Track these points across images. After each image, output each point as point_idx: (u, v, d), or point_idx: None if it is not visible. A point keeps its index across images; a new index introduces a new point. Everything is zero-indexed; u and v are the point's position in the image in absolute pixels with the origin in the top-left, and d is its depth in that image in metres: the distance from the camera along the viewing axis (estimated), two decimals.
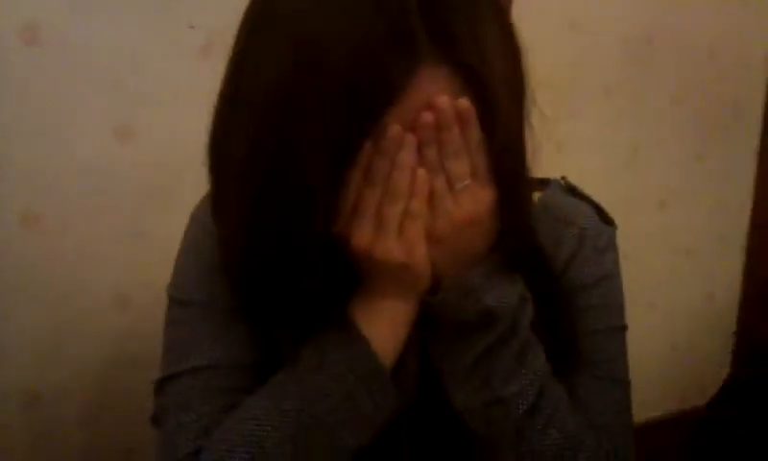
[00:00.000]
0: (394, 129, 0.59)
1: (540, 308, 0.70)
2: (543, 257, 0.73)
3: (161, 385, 0.73)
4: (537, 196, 0.79)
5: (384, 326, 0.66)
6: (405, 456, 0.75)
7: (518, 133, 0.65)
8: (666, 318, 2.24)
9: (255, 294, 0.67)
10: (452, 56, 0.59)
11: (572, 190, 0.81)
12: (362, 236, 0.62)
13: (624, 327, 0.78)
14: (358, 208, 0.62)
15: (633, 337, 0.80)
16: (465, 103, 0.60)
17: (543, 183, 0.81)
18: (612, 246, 0.79)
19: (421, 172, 0.61)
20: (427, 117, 0.59)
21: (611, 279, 0.78)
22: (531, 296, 0.69)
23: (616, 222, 0.81)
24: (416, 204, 0.62)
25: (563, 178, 0.83)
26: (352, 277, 0.67)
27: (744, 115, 2.29)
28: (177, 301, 0.75)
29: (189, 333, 0.73)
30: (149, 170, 1.34)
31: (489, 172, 0.63)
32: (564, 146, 1.80)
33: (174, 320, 0.75)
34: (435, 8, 0.58)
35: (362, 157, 0.60)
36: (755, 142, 2.33)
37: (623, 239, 0.82)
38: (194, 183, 1.28)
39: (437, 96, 0.59)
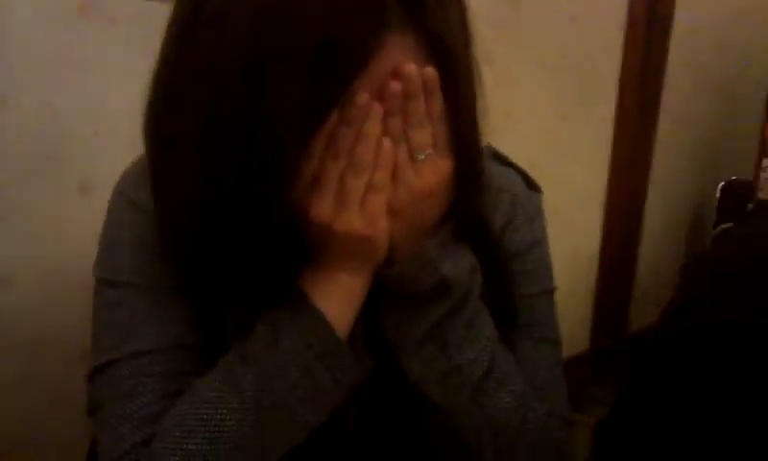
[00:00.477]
0: (362, 98, 0.58)
1: (483, 275, 0.71)
2: (485, 226, 0.74)
3: (97, 373, 0.68)
4: None
5: (338, 299, 0.65)
6: (351, 425, 0.75)
7: (474, 102, 0.65)
8: None
9: (204, 271, 0.63)
10: (420, 23, 0.58)
11: (499, 158, 0.83)
12: (323, 208, 0.60)
13: (554, 290, 0.81)
14: (320, 180, 0.60)
15: None
16: (431, 72, 0.59)
17: None
18: (540, 212, 0.82)
19: (387, 143, 0.60)
20: (395, 86, 0.58)
21: (541, 243, 0.80)
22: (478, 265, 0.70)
23: None
24: (380, 176, 0.61)
25: (488, 145, 0.85)
26: (302, 249, 0.65)
27: (602, 78, 2.43)
28: (107, 282, 0.70)
29: (125, 316, 0.68)
30: (28, 140, 1.24)
31: (448, 142, 0.63)
32: None
33: (106, 302, 0.70)
34: None
35: (327, 127, 0.59)
36: (612, 103, 2.48)
37: None
38: (83, 154, 1.24)
39: (404, 64, 0.58)
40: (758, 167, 2.49)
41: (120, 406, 0.66)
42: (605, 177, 2.53)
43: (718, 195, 2.77)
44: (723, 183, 2.78)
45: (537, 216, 0.81)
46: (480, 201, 0.71)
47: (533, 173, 0.84)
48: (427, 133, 0.61)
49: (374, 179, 0.61)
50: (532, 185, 0.82)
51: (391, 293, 0.67)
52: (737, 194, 2.69)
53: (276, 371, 0.63)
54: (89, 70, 1.26)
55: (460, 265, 0.67)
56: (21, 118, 1.21)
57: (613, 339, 2.68)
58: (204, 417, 0.63)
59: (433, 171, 0.62)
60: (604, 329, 2.67)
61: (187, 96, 0.59)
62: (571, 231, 2.46)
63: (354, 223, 0.61)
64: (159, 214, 0.66)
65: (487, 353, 0.69)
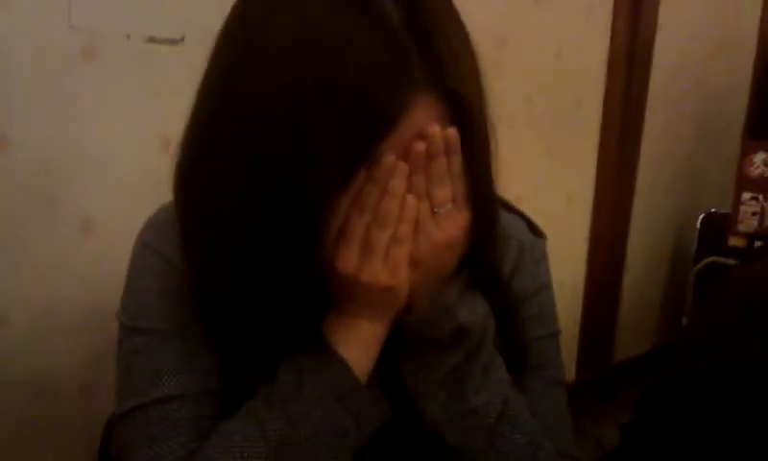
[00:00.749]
0: (389, 158, 0.61)
1: (495, 320, 0.73)
2: (497, 272, 0.76)
3: (124, 418, 0.70)
4: None
5: (359, 345, 0.67)
6: None
7: (489, 155, 0.68)
8: None
9: (234, 322, 0.65)
10: (441, 83, 0.61)
11: (505, 205, 0.86)
12: (348, 260, 0.63)
13: (559, 332, 0.83)
14: (346, 233, 0.63)
15: None
16: (453, 133, 0.62)
17: None
18: (544, 257, 0.84)
19: (411, 199, 0.63)
20: (420, 147, 0.61)
21: (546, 287, 0.83)
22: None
23: None
24: (403, 229, 0.63)
25: None
26: (324, 298, 0.67)
27: (586, 112, 2.49)
28: (134, 328, 0.72)
29: (152, 362, 0.70)
30: (28, 178, 1.25)
31: (466, 195, 0.66)
32: None
33: (132, 348, 0.71)
34: (425, 36, 0.60)
35: (355, 183, 0.61)
36: (595, 137, 2.54)
37: None
38: (83, 195, 1.25)
39: (429, 126, 0.61)
40: (738, 200, 2.56)
41: (148, 451, 0.67)
42: (589, 210, 2.58)
43: (698, 226, 2.83)
44: (703, 215, 2.85)
45: (542, 261, 0.84)
46: (495, 250, 0.73)
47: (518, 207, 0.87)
48: (448, 189, 0.64)
49: (398, 232, 0.63)
50: (536, 231, 0.85)
51: (408, 339, 0.69)
52: (717, 226, 2.76)
53: (300, 416, 0.65)
54: (90, 111, 1.27)
55: (476, 312, 0.70)
56: (22, 158, 1.22)
57: (599, 370, 2.72)
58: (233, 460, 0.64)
59: (452, 224, 0.65)
60: (589, 360, 2.70)
61: (226, 148, 0.62)
62: (556, 265, 2.46)
63: (379, 274, 0.63)
64: (192, 266, 0.68)
65: (501, 396, 0.71)
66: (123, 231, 1.32)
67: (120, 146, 1.32)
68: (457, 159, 0.64)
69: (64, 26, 1.23)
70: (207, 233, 0.65)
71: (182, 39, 1.38)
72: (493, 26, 2.04)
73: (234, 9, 0.66)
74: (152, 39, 1.34)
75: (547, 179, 2.36)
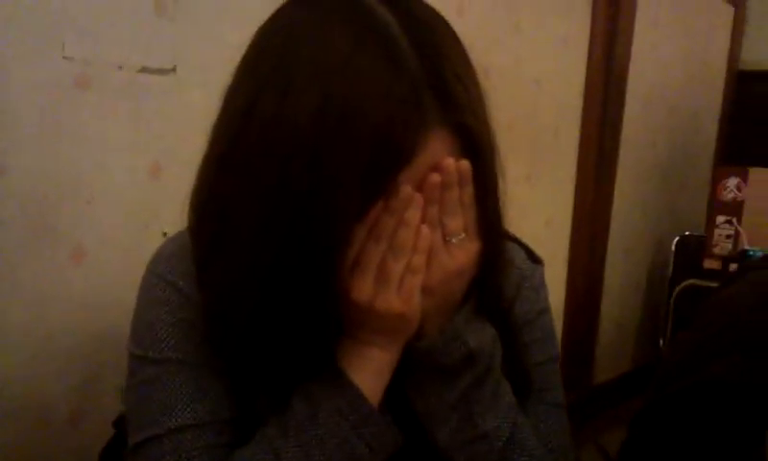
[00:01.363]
0: (406, 190, 0.63)
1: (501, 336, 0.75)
2: (502, 299, 0.79)
3: (138, 448, 0.70)
4: None
5: (371, 372, 0.69)
6: None
7: (497, 186, 0.71)
8: None
9: (249, 352, 0.67)
10: (454, 118, 0.64)
11: (505, 234, 0.88)
12: (363, 289, 0.65)
13: (559, 356, 0.86)
14: (360, 262, 0.65)
15: None
16: (466, 164, 0.65)
17: None
18: (543, 283, 0.87)
19: (425, 229, 0.65)
20: (435, 178, 0.64)
21: (546, 313, 0.86)
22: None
23: None
24: (418, 259, 0.65)
25: None
26: (338, 327, 0.69)
27: (564, 139, 2.54)
28: (146, 358, 0.72)
29: (165, 392, 0.70)
30: (22, 206, 1.25)
31: (477, 226, 0.68)
32: None
33: (145, 379, 0.72)
34: (438, 75, 0.63)
35: (371, 215, 0.63)
36: (573, 163, 2.59)
37: None
38: (75, 223, 1.26)
39: (444, 158, 0.64)
40: (713, 224, 2.62)
41: None
42: (567, 235, 2.62)
43: (674, 249, 2.89)
44: (678, 238, 2.91)
45: (540, 287, 0.86)
46: (502, 277, 0.76)
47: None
48: (460, 219, 0.67)
49: (413, 262, 0.65)
50: (534, 258, 0.87)
51: (418, 366, 0.71)
52: (692, 249, 2.82)
53: (314, 443, 0.66)
54: (83, 140, 1.28)
55: (484, 337, 0.72)
56: (15, 187, 1.22)
57: (580, 391, 2.74)
58: None
59: (464, 252, 0.68)
60: (570, 382, 2.72)
61: (245, 179, 0.63)
62: None
63: (393, 302, 0.65)
64: (208, 294, 0.69)
65: (509, 420, 0.73)
66: (114, 259, 1.34)
67: (111, 174, 1.33)
68: (469, 190, 0.66)
69: (58, 56, 1.23)
70: (225, 262, 0.66)
71: (174, 70, 1.40)
72: (476, 55, 2.08)
73: (254, 42, 0.69)
74: (144, 70, 1.35)
75: (528, 204, 2.40)
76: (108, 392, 1.31)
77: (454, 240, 0.67)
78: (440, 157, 0.64)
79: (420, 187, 0.64)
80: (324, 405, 0.67)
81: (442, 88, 0.63)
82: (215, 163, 0.68)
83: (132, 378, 0.74)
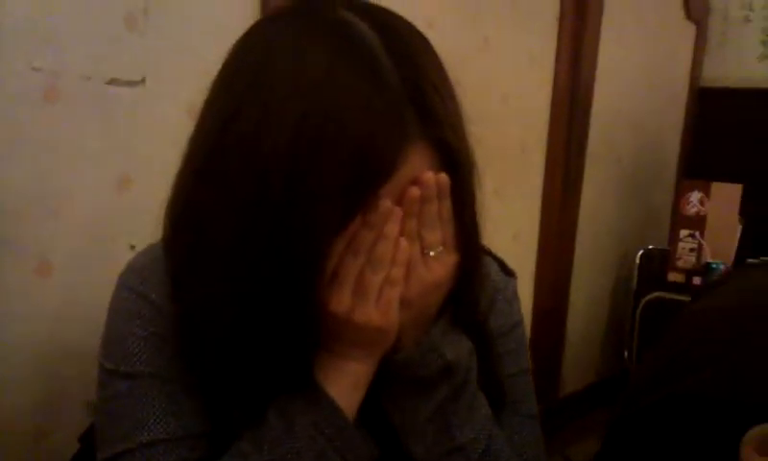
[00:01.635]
0: (386, 204, 0.63)
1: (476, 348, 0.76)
2: (478, 312, 0.79)
3: None
4: None
5: (347, 385, 0.69)
6: None
7: (474, 201, 0.71)
8: None
9: (221, 361, 0.66)
10: (433, 132, 0.64)
11: None
12: (341, 301, 0.65)
13: (530, 368, 0.87)
14: (338, 275, 0.65)
15: None
16: (444, 178, 0.65)
17: None
18: (516, 295, 0.88)
19: (404, 242, 0.66)
20: (414, 192, 0.64)
21: (520, 325, 0.87)
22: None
23: None
24: (396, 272, 0.66)
25: None
26: (313, 340, 0.69)
27: (531, 155, 2.57)
28: (118, 373, 0.71)
29: (137, 406, 0.70)
30: None
31: (454, 239, 0.69)
32: None
33: (117, 393, 0.71)
34: (418, 87, 0.63)
35: (350, 228, 0.64)
36: (540, 178, 2.62)
37: None
38: (40, 236, 1.24)
39: (423, 172, 0.64)
40: (676, 237, 2.67)
41: None
42: (534, 249, 2.65)
43: (638, 262, 2.94)
44: (642, 251, 2.95)
45: (514, 299, 0.87)
46: (478, 290, 0.76)
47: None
48: (439, 233, 0.67)
49: (391, 274, 0.66)
50: (507, 271, 0.88)
51: (395, 378, 0.71)
52: (656, 262, 2.87)
53: (290, 457, 0.66)
54: (51, 152, 1.26)
55: (461, 349, 0.72)
56: None
57: (547, 403, 2.77)
58: None
59: (441, 265, 0.68)
60: (537, 394, 2.74)
61: (222, 192, 0.63)
62: None
63: (372, 315, 0.65)
64: (184, 307, 0.68)
65: (486, 432, 0.74)
66: (81, 273, 1.32)
67: (79, 187, 1.31)
68: (447, 204, 0.67)
69: (27, 68, 1.22)
70: (201, 275, 0.66)
71: (143, 81, 1.39)
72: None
73: (232, 55, 0.68)
74: (113, 81, 1.34)
75: (496, 218, 2.40)
76: (74, 407, 1.29)
77: (432, 253, 0.67)
78: (420, 171, 0.64)
79: (399, 201, 0.65)
80: (299, 419, 0.67)
81: (421, 103, 0.63)
82: (192, 176, 0.68)
83: (102, 392, 0.73)
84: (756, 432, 0.68)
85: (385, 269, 0.65)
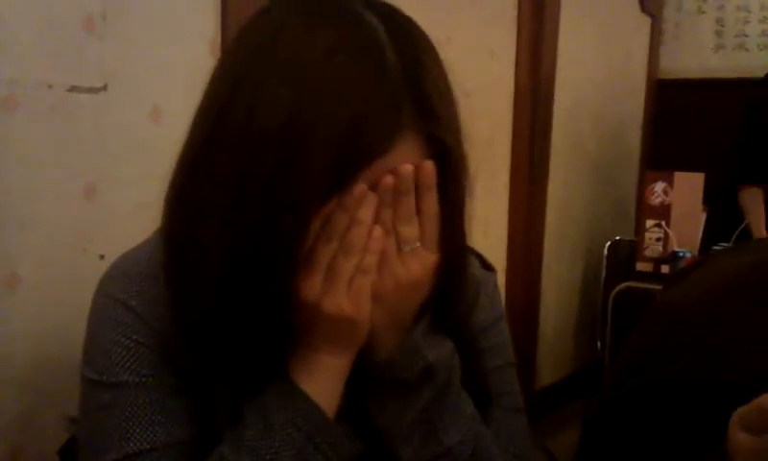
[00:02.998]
0: (360, 188, 0.62)
1: (459, 348, 0.74)
2: (461, 311, 0.77)
3: None
4: None
5: (323, 380, 0.67)
6: None
7: (464, 202, 0.70)
8: None
9: (208, 348, 0.65)
10: (428, 128, 0.63)
11: None
12: (312, 288, 0.64)
13: (515, 362, 0.86)
14: (311, 261, 0.63)
15: None
16: (429, 166, 0.64)
17: None
18: (497, 289, 0.88)
19: (378, 230, 0.64)
20: (388, 180, 0.63)
21: (501, 319, 0.86)
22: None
23: None
24: (369, 259, 0.64)
25: None
26: (289, 332, 0.68)
27: (497, 149, 2.58)
28: (101, 383, 0.70)
29: (122, 416, 0.68)
30: None
31: (438, 239, 0.67)
32: None
33: (100, 404, 0.69)
34: (418, 81, 0.63)
35: (326, 210, 0.63)
36: (506, 173, 2.63)
37: None
38: (4, 247, 1.20)
39: (403, 164, 0.63)
40: (642, 227, 2.70)
41: None
42: (504, 243, 2.66)
43: (606, 253, 2.97)
44: (609, 243, 2.99)
45: (495, 293, 0.87)
46: (463, 292, 0.75)
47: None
48: (415, 229, 0.65)
49: (364, 262, 0.64)
50: (487, 266, 0.88)
51: (377, 381, 0.70)
52: (623, 252, 2.90)
53: (269, 457, 0.65)
54: (12, 162, 1.23)
55: (442, 351, 0.71)
56: None
57: (523, 396, 2.77)
58: None
59: (418, 263, 0.66)
60: None
61: (217, 170, 0.63)
62: None
63: (341, 303, 0.64)
64: (175, 288, 0.67)
65: (472, 433, 0.72)
66: (50, 285, 1.29)
67: (43, 197, 1.28)
68: (432, 198, 0.65)
69: None
70: (192, 254, 0.65)
71: (105, 88, 1.36)
72: None
73: (238, 37, 0.68)
74: (74, 89, 1.31)
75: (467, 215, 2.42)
76: (49, 422, 1.25)
77: (407, 249, 0.65)
78: (408, 163, 0.63)
79: (374, 188, 0.64)
80: (275, 417, 0.65)
81: (419, 96, 0.63)
82: (189, 157, 0.67)
83: (85, 404, 0.71)
84: (743, 411, 0.68)
85: (357, 255, 0.64)
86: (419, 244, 0.66)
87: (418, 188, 0.65)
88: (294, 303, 0.64)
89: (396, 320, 0.68)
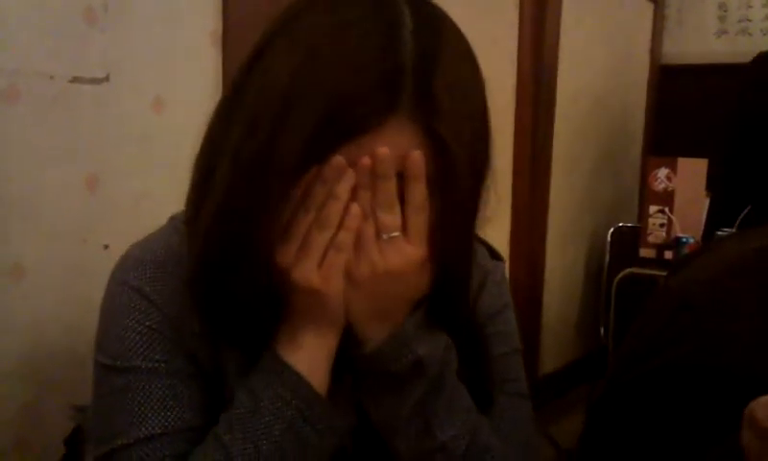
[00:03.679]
0: (337, 160, 0.62)
1: (461, 341, 0.74)
2: (468, 307, 0.77)
3: (105, 459, 0.69)
4: None
5: (308, 355, 0.68)
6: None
7: (473, 204, 0.69)
8: None
9: (215, 307, 0.67)
10: (427, 120, 0.62)
11: None
12: (285, 255, 0.64)
13: (521, 349, 0.86)
14: (288, 228, 0.64)
15: None
16: (416, 155, 0.63)
17: None
18: (504, 278, 0.88)
19: (355, 207, 0.64)
20: (365, 161, 0.62)
21: (508, 307, 0.86)
22: (453, 342, 0.72)
23: None
24: (343, 236, 0.64)
25: None
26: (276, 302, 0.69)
27: (499, 137, 2.55)
28: (114, 368, 0.70)
29: (134, 401, 0.69)
30: None
31: (428, 232, 0.66)
32: None
33: (114, 388, 0.70)
34: (428, 71, 0.62)
35: (306, 178, 0.63)
36: (509, 160, 2.63)
37: None
38: (7, 238, 1.21)
39: (394, 148, 0.62)
40: (646, 214, 2.70)
41: None
42: (507, 230, 2.66)
43: (609, 239, 2.97)
44: (612, 229, 2.98)
45: (503, 282, 0.87)
46: (465, 296, 0.74)
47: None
48: (396, 218, 0.64)
49: (338, 238, 0.64)
50: (495, 255, 0.88)
51: (368, 374, 0.70)
52: (627, 239, 2.90)
53: (260, 433, 0.66)
54: (15, 153, 1.23)
55: (435, 345, 0.70)
56: None
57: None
58: None
59: (397, 253, 0.65)
60: None
61: (226, 136, 0.65)
62: None
63: (310, 275, 0.64)
64: (190, 243, 0.70)
65: (468, 426, 0.72)
66: (54, 276, 1.29)
67: (46, 188, 1.28)
68: (419, 189, 0.64)
69: None
70: (202, 213, 0.67)
71: (107, 78, 1.36)
72: None
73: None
74: (76, 79, 1.31)
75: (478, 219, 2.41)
76: (53, 413, 1.26)
77: (385, 237, 0.64)
78: (396, 148, 0.62)
79: (353, 166, 0.63)
80: (264, 393, 0.66)
81: (425, 87, 0.62)
82: (215, 122, 0.69)
83: (98, 389, 0.72)
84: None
85: (330, 230, 0.63)
86: (398, 233, 0.65)
87: (405, 178, 0.64)
88: (271, 267, 0.65)
89: (380, 311, 0.67)
